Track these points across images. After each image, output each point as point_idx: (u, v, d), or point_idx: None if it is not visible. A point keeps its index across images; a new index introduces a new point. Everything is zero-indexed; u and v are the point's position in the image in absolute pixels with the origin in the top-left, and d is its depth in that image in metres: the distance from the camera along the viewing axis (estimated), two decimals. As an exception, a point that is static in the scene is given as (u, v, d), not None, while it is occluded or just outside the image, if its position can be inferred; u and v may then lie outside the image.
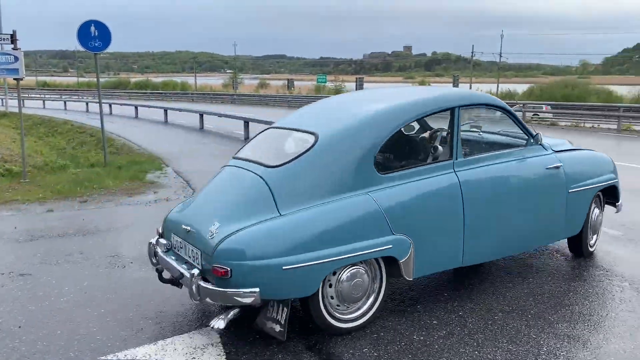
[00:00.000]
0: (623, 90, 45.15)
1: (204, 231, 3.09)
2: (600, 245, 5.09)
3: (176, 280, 3.33)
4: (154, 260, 3.59)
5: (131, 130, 18.86)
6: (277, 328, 3.03)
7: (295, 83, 60.08)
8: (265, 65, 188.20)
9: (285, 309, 3.03)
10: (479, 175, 3.69)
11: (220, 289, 2.89)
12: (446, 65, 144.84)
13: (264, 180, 3.19)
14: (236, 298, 2.86)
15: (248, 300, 2.86)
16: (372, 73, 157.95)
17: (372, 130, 3.35)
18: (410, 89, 4.47)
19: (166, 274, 3.53)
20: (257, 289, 2.85)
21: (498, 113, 4.14)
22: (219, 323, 2.98)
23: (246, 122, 15.47)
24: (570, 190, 4.26)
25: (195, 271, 3.01)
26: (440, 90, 4.05)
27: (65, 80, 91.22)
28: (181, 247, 3.33)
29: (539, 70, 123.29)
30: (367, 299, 3.35)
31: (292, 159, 3.23)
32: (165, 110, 22.87)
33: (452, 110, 3.68)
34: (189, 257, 3.21)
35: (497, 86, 50.00)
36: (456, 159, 3.62)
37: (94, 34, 10.06)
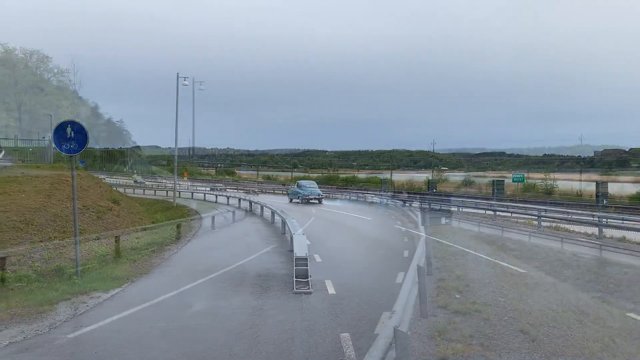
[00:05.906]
0: None
1: (316, 192, 37.55)
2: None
3: (307, 199, 36.17)
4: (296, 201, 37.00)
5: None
6: None
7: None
8: (482, 163, 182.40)
9: None
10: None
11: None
12: None
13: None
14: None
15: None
16: (603, 171, 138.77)
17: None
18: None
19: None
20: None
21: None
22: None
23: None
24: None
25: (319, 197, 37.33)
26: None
27: (283, 175, 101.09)
28: (307, 196, 36.33)
29: None
30: None
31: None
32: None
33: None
34: (311, 197, 36.53)
35: None
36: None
37: (70, 136, 9.42)
